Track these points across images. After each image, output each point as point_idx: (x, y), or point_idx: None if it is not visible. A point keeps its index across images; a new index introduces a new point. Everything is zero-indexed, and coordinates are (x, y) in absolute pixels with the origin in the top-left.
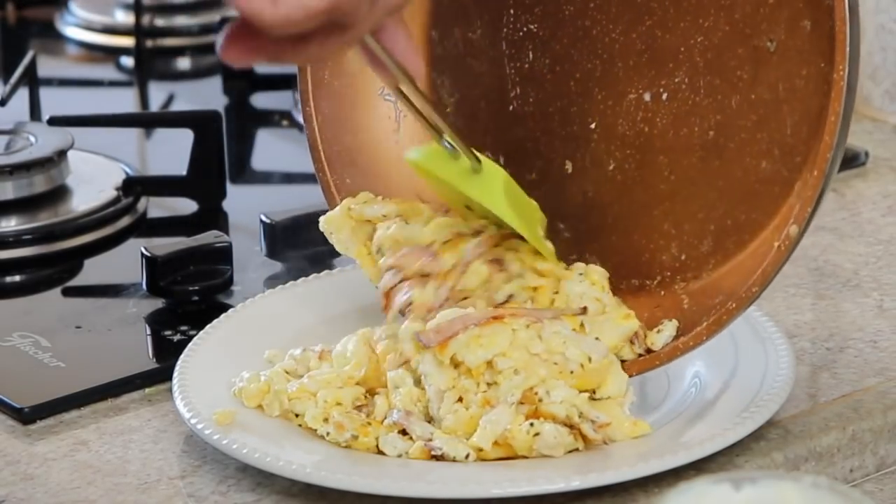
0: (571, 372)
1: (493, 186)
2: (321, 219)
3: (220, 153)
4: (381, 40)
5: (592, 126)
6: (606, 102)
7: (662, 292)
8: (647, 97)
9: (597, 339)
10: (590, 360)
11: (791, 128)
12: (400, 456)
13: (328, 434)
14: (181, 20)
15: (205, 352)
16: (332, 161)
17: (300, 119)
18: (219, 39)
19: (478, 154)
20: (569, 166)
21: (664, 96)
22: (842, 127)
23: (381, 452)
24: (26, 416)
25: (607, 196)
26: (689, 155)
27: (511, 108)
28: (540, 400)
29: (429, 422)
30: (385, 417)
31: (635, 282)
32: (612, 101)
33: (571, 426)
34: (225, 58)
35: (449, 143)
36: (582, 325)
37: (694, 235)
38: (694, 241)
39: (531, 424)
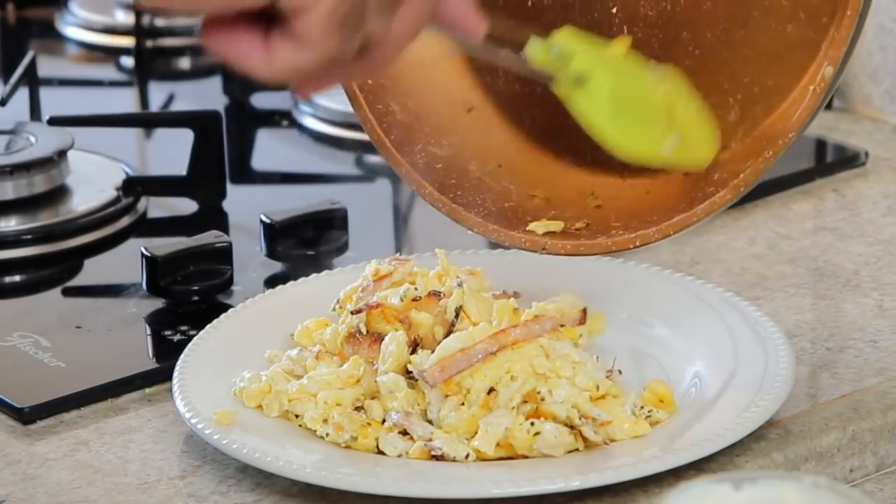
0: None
1: (599, 101)
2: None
3: (220, 153)
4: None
5: (614, 10)
6: None
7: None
8: None
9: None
10: (598, 388)
11: None
12: (400, 456)
13: (328, 435)
14: (181, 20)
15: (205, 352)
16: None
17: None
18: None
19: (597, 50)
20: (667, 70)
21: None
22: None
23: (381, 452)
24: (26, 416)
25: None
26: (712, 27)
27: (530, 1)
28: (542, 399)
29: (427, 423)
30: (384, 419)
31: None
32: None
33: (572, 426)
34: (300, 95)
35: (557, 48)
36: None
37: (721, 107)
38: (721, 113)
39: (532, 424)
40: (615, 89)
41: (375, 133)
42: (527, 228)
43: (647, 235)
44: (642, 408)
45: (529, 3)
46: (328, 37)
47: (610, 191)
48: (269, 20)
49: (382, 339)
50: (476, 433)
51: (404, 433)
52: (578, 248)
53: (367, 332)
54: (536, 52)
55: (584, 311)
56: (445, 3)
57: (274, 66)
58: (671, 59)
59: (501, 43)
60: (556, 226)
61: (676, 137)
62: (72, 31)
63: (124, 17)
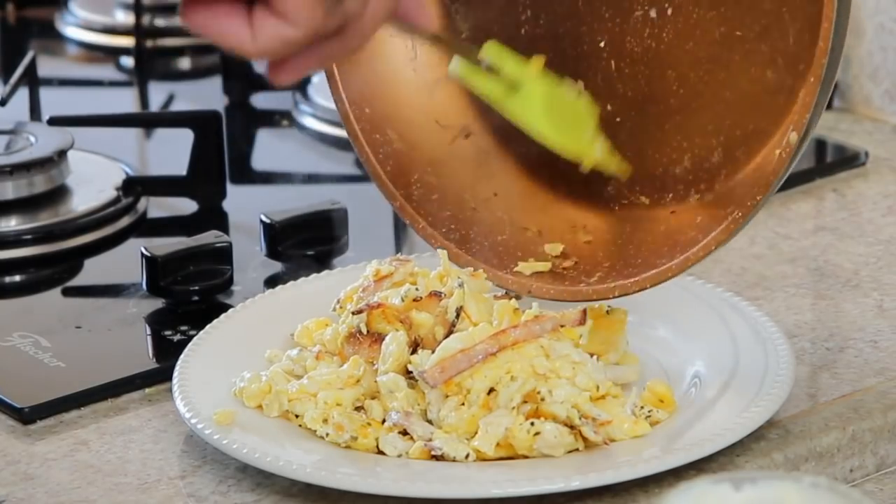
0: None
1: (533, 104)
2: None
3: (220, 153)
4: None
5: (602, 45)
6: (614, 20)
7: (678, 207)
8: (652, 13)
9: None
10: (598, 388)
11: (794, 36)
12: (400, 456)
13: (328, 435)
14: (181, 20)
15: (205, 352)
16: (350, 92)
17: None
18: (264, 68)
19: (518, 65)
20: (580, 86)
21: (669, 11)
22: (836, 32)
23: (381, 452)
24: (26, 416)
25: (619, 113)
26: (696, 68)
27: (523, 31)
28: (542, 399)
29: (427, 423)
30: (384, 419)
31: (648, 199)
32: (620, 19)
33: (572, 426)
34: (276, 81)
35: (486, 61)
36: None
37: (704, 147)
38: (705, 153)
39: (531, 424)
40: (546, 94)
41: (371, 165)
42: (515, 269)
43: (625, 286)
44: (642, 408)
45: (523, 32)
46: (312, 9)
47: (600, 224)
48: None
49: (383, 340)
50: (476, 433)
51: (404, 433)
52: (562, 294)
53: (368, 332)
54: (465, 67)
55: (584, 311)
56: None
57: (258, 41)
58: (656, 95)
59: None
60: (544, 266)
61: (602, 143)
62: (72, 31)
63: (124, 17)
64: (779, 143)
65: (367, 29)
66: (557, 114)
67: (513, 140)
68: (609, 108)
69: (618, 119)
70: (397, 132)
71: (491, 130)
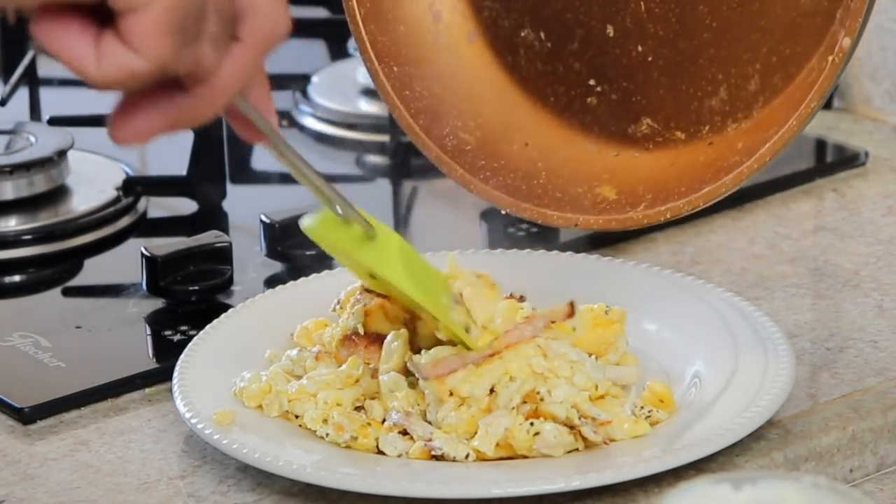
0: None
1: (388, 252)
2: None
3: (220, 153)
4: (247, 96)
5: None
6: None
7: (715, 138)
8: None
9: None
10: (596, 387)
11: None
12: (400, 456)
13: (328, 435)
14: None
15: (205, 352)
16: (378, 52)
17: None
18: (108, 121)
19: (370, 219)
20: (610, 30)
21: None
22: None
23: (381, 452)
24: (26, 416)
25: (651, 53)
26: (728, 1)
27: None
28: (541, 399)
29: (427, 423)
30: (384, 419)
31: (684, 134)
32: None
33: (572, 426)
34: (116, 139)
35: (340, 209)
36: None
37: (740, 77)
38: (741, 82)
39: (531, 424)
40: (402, 247)
41: (404, 119)
42: (557, 195)
43: (677, 208)
44: (642, 408)
45: None
46: (160, 41)
47: (637, 164)
48: (104, 19)
49: (381, 340)
50: (476, 433)
51: (404, 433)
52: (610, 223)
53: (365, 333)
54: (317, 219)
55: (572, 304)
56: (258, 78)
57: (102, 68)
58: (689, 31)
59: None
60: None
61: (462, 313)
62: None
63: None
64: (821, 62)
65: (219, 91)
66: (413, 269)
67: (541, 91)
68: (640, 48)
69: (649, 58)
70: (426, 88)
71: (518, 83)
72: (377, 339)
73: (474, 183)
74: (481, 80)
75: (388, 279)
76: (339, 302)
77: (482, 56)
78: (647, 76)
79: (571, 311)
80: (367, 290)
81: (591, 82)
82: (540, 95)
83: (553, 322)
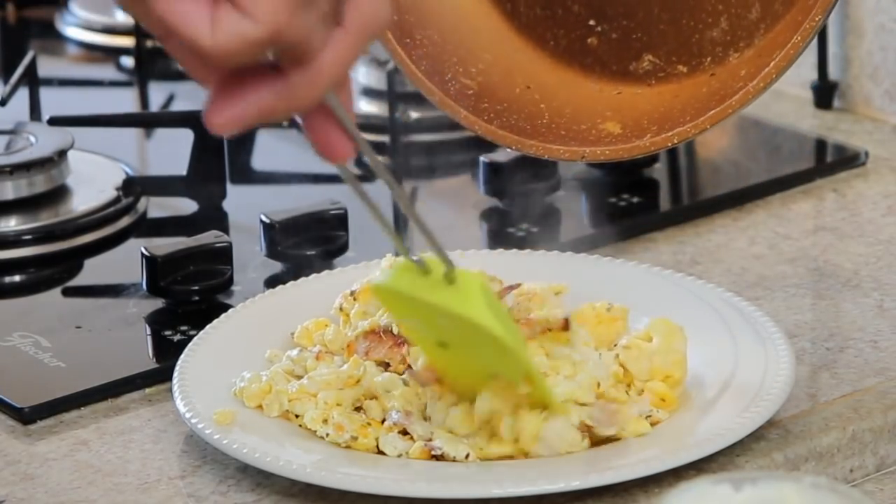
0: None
1: (471, 293)
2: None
3: (220, 153)
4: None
5: None
6: None
7: (718, 69)
8: None
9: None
10: (598, 385)
11: None
12: (400, 456)
13: (327, 435)
14: None
15: (205, 352)
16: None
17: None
18: (204, 109)
19: (451, 264)
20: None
21: None
22: None
23: (381, 452)
24: (26, 416)
25: None
26: None
27: None
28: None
29: (426, 420)
30: (384, 418)
31: (686, 67)
32: None
33: (579, 424)
34: (213, 126)
35: (417, 256)
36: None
37: (741, 6)
38: (742, 12)
39: (540, 412)
40: (484, 286)
41: (407, 66)
42: (561, 133)
43: (684, 132)
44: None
45: None
46: (275, 4)
47: (640, 100)
48: None
49: (404, 344)
50: (477, 431)
51: (404, 433)
52: (618, 153)
53: (396, 333)
54: (393, 272)
55: (567, 319)
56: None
57: (217, 35)
58: None
59: None
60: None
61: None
62: (72, 31)
63: (124, 17)
64: None
65: (319, 77)
66: (497, 312)
67: (541, 35)
68: None
69: None
70: (427, 37)
71: (518, 29)
72: (404, 343)
73: (479, 123)
74: (481, 27)
75: (474, 319)
76: (352, 294)
77: (481, 4)
78: (647, 12)
79: (566, 325)
80: None
81: (591, 23)
82: (540, 40)
83: (549, 330)
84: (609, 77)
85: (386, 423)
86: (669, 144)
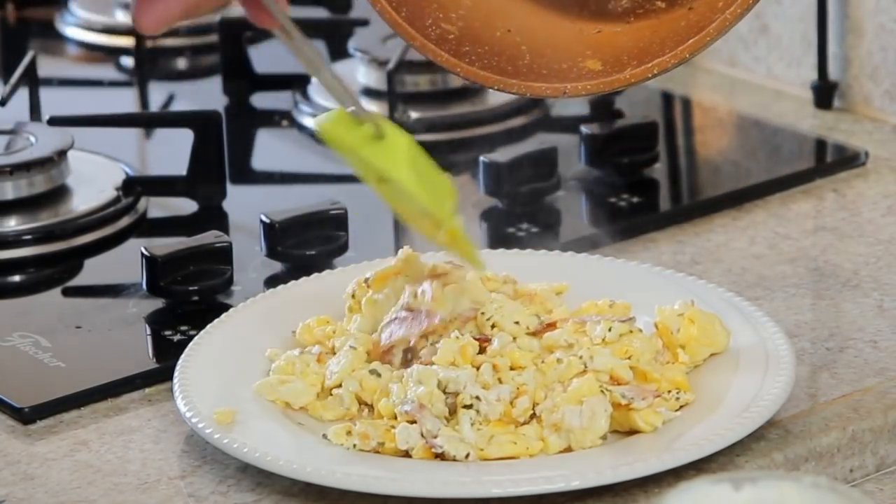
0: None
1: (397, 152)
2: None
3: (220, 153)
4: None
5: None
6: None
7: (696, 2)
8: None
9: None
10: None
11: None
12: (409, 450)
13: (354, 446)
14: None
15: (205, 352)
16: None
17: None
18: (131, 12)
19: (381, 120)
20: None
21: None
22: None
23: (406, 454)
24: (26, 416)
25: None
26: None
27: None
28: (585, 368)
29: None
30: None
31: (664, 3)
32: None
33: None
34: (141, 27)
35: (353, 108)
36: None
37: None
38: None
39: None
40: (410, 147)
41: (387, 12)
42: (543, 72)
43: (663, 62)
44: (669, 391)
45: None
46: None
47: (619, 38)
48: None
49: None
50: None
51: (412, 423)
52: (599, 87)
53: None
54: (329, 118)
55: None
56: None
57: None
58: None
59: None
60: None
61: (462, 225)
62: (72, 31)
63: (124, 17)
64: None
65: None
66: (420, 171)
67: None
68: None
69: None
70: None
71: None
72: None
73: (461, 66)
74: None
75: (396, 178)
76: (366, 281)
77: None
78: None
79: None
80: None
81: None
82: None
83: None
84: (588, 16)
85: (398, 409)
86: (649, 75)
